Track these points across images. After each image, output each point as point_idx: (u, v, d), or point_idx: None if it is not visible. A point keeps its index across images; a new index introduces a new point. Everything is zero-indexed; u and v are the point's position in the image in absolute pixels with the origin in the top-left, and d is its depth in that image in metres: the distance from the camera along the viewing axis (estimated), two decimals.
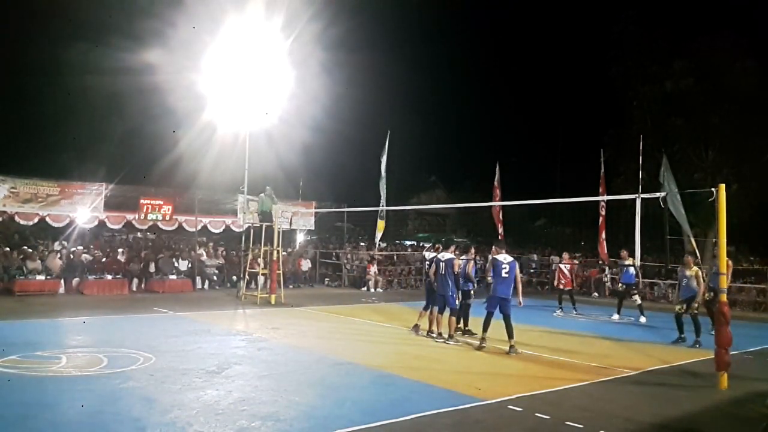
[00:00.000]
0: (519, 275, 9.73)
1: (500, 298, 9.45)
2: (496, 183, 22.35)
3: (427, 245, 21.68)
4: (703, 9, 22.03)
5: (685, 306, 10.67)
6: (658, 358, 9.43)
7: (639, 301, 14.49)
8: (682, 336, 10.82)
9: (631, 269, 14.52)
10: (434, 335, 10.44)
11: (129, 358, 7.95)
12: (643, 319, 13.95)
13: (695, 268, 10.71)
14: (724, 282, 7.85)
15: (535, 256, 26.33)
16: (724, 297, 7.75)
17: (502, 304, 9.48)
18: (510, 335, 9.38)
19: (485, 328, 9.56)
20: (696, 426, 6.13)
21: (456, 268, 10.25)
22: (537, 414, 5.99)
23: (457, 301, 10.34)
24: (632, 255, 14.92)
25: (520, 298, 9.67)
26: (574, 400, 6.68)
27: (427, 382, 7.25)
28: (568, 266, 15.72)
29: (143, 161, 24.27)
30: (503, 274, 9.45)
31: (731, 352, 7.63)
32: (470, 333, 10.93)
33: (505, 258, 9.62)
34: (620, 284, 15.03)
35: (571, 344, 10.59)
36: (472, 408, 6.16)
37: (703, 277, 10.76)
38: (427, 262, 11.38)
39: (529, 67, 49.69)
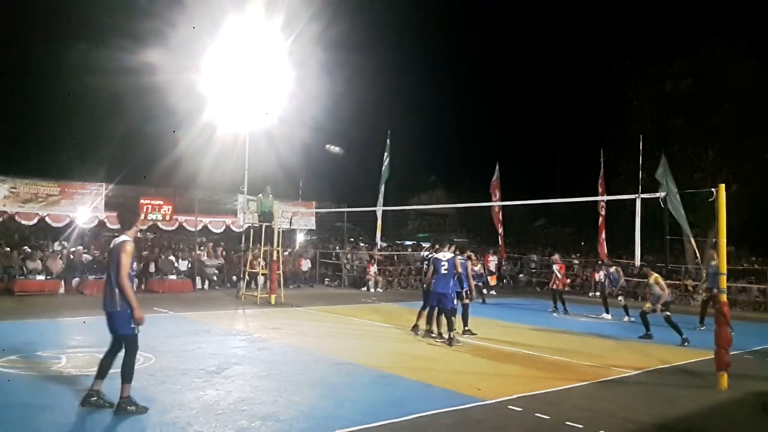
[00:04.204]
0: (461, 270, 10.53)
1: (439, 294, 9.98)
2: (494, 182, 22.35)
3: (426, 245, 21.73)
4: (703, 9, 22.04)
5: (651, 307, 11.23)
6: (658, 358, 9.43)
7: (609, 299, 14.96)
8: (649, 333, 11.22)
9: (612, 269, 15.21)
10: (434, 335, 10.44)
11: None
12: (605, 316, 14.54)
13: (654, 274, 11.28)
14: (724, 282, 7.84)
15: (534, 256, 26.32)
16: (723, 297, 7.74)
17: (440, 299, 10.00)
18: (450, 328, 9.89)
19: (428, 321, 10.39)
20: (696, 426, 6.13)
21: (458, 269, 10.31)
22: (537, 414, 5.99)
23: (454, 302, 10.30)
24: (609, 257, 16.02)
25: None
26: (574, 400, 6.67)
27: (427, 382, 7.24)
28: (557, 266, 15.92)
29: (143, 161, 24.31)
30: (442, 271, 9.97)
31: (731, 352, 7.63)
32: (470, 333, 10.96)
33: (444, 256, 10.15)
34: (611, 286, 15.49)
35: (571, 344, 10.59)
36: (472, 408, 6.16)
37: (662, 283, 11.32)
38: (426, 262, 11.38)
39: (529, 66, 49.70)
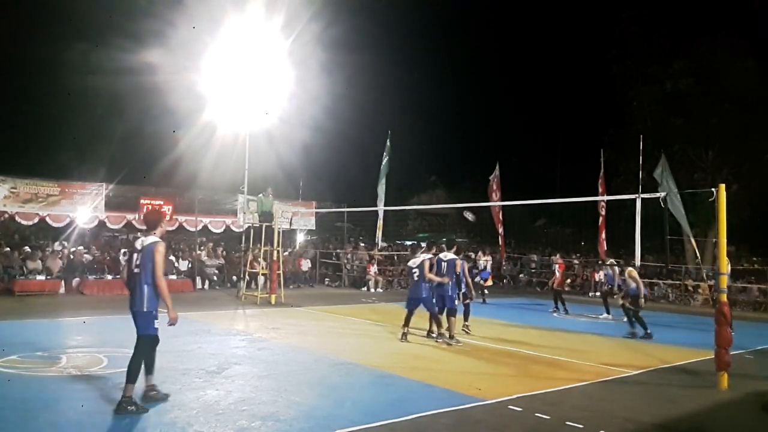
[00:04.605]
0: (459, 270, 10.41)
1: (417, 299, 9.98)
2: (492, 181, 22.31)
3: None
4: (703, 9, 22.04)
5: (629, 301, 11.41)
6: (658, 358, 9.43)
7: (609, 299, 14.98)
8: (648, 332, 11.20)
9: (608, 269, 15.26)
10: (434, 335, 10.44)
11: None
12: (606, 316, 14.57)
13: (629, 268, 11.54)
14: (724, 282, 7.84)
15: (535, 256, 26.32)
16: (724, 297, 7.74)
17: (423, 302, 9.99)
18: (438, 326, 10.03)
19: (406, 323, 10.14)
20: (696, 426, 6.12)
21: (458, 269, 10.32)
22: (537, 414, 5.98)
23: (456, 302, 10.33)
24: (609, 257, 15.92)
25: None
26: (574, 400, 6.67)
27: (427, 382, 7.24)
28: (557, 266, 16.01)
29: (143, 161, 24.30)
30: (415, 277, 10.00)
31: (731, 352, 7.63)
32: (467, 330, 11.05)
33: (414, 262, 10.09)
34: (607, 285, 15.54)
35: (570, 344, 10.59)
36: (472, 408, 6.16)
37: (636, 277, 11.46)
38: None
39: (529, 66, 49.57)
